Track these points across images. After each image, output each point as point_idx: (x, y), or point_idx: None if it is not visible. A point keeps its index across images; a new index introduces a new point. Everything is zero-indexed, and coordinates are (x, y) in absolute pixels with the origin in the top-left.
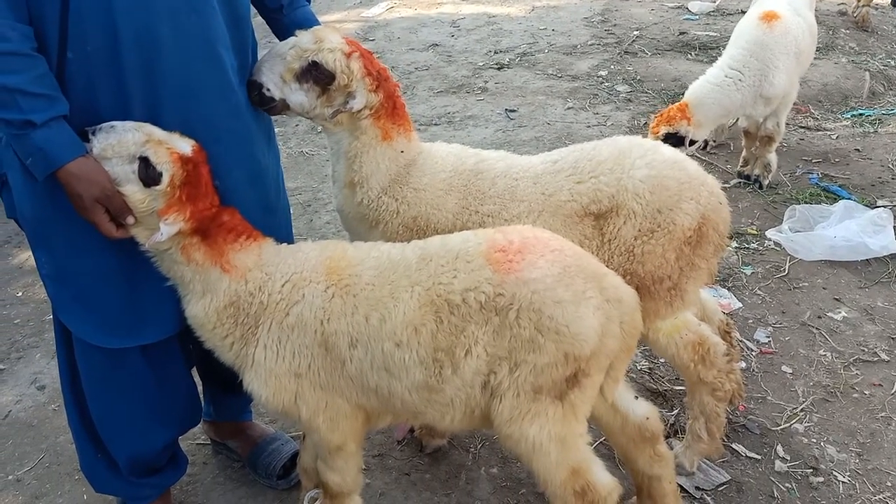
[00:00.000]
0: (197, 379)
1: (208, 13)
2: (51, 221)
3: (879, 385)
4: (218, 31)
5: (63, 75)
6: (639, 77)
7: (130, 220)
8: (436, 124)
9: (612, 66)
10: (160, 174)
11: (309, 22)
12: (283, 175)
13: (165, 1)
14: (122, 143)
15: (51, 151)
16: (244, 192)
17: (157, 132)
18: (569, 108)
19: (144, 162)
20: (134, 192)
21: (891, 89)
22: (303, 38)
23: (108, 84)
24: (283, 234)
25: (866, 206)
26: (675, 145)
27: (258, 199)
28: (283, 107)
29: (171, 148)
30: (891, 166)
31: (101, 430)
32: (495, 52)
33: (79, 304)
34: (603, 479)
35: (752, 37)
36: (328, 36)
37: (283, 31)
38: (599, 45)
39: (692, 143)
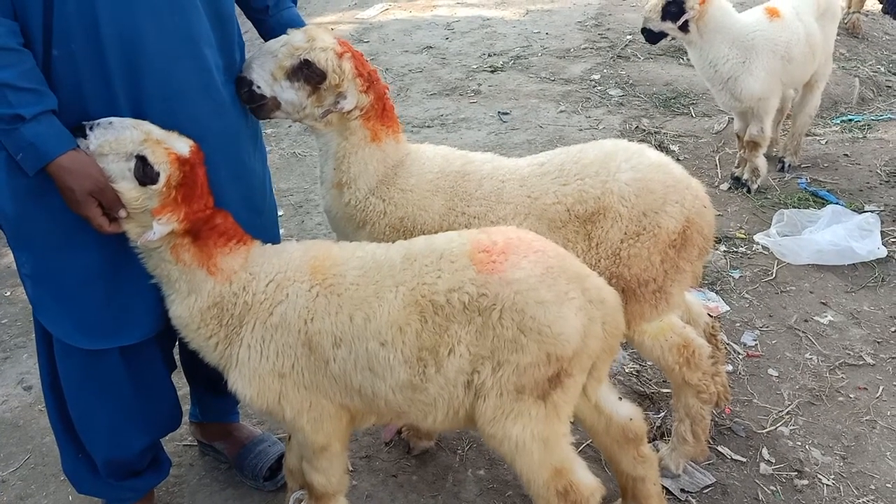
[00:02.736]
0: (181, 382)
1: (191, 11)
2: (32, 219)
3: (864, 388)
4: (201, 29)
5: (50, 72)
6: (631, 81)
7: (122, 213)
8: (429, 126)
9: (605, 70)
10: (158, 174)
11: (295, 23)
12: (270, 177)
13: (148, 0)
14: (119, 140)
15: (41, 145)
16: (229, 192)
17: (155, 131)
18: (561, 112)
19: (142, 161)
20: (129, 189)
21: (880, 95)
22: (295, 36)
23: (93, 83)
24: (270, 237)
25: (854, 210)
26: (672, 16)
27: (243, 199)
28: (273, 105)
29: (170, 148)
30: (879, 172)
31: (80, 432)
32: (489, 55)
33: (58, 304)
34: (586, 479)
35: (750, 20)
36: (320, 35)
37: (269, 32)
38: (593, 48)
39: (683, 27)
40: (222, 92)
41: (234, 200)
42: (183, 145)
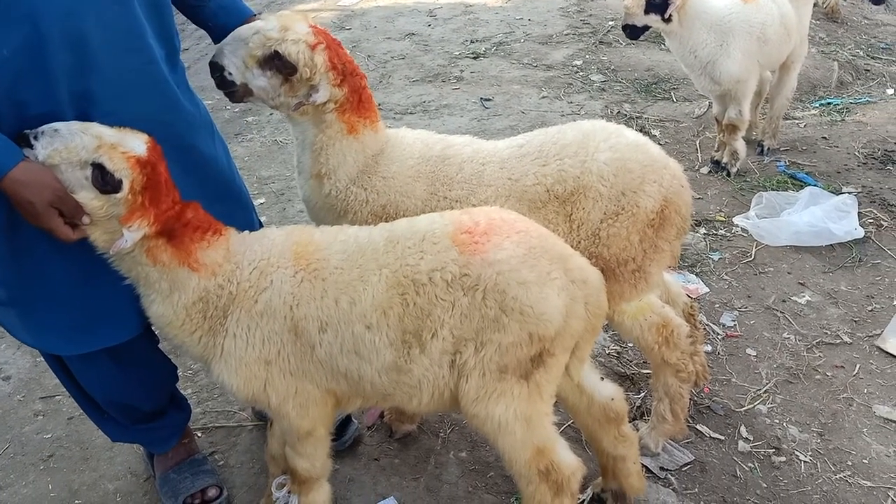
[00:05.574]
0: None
1: (129, 2)
2: None
3: (841, 367)
4: (140, 20)
5: None
6: (613, 67)
7: (86, 219)
8: (411, 113)
9: (587, 56)
10: (120, 182)
11: (236, 3)
12: (234, 163)
13: None
14: (69, 148)
15: None
16: (182, 184)
17: (106, 133)
18: (543, 97)
19: (100, 169)
20: (90, 199)
21: (859, 79)
22: (269, 23)
23: (32, 86)
24: (239, 224)
25: (832, 192)
26: (656, 8)
27: (200, 189)
28: (246, 91)
29: (127, 151)
30: (857, 154)
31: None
32: (471, 42)
33: (32, 322)
34: (567, 458)
35: (725, 3)
36: (294, 25)
37: (209, 17)
38: (575, 34)
39: (666, 19)
40: (170, 82)
41: (192, 192)
42: (139, 144)
